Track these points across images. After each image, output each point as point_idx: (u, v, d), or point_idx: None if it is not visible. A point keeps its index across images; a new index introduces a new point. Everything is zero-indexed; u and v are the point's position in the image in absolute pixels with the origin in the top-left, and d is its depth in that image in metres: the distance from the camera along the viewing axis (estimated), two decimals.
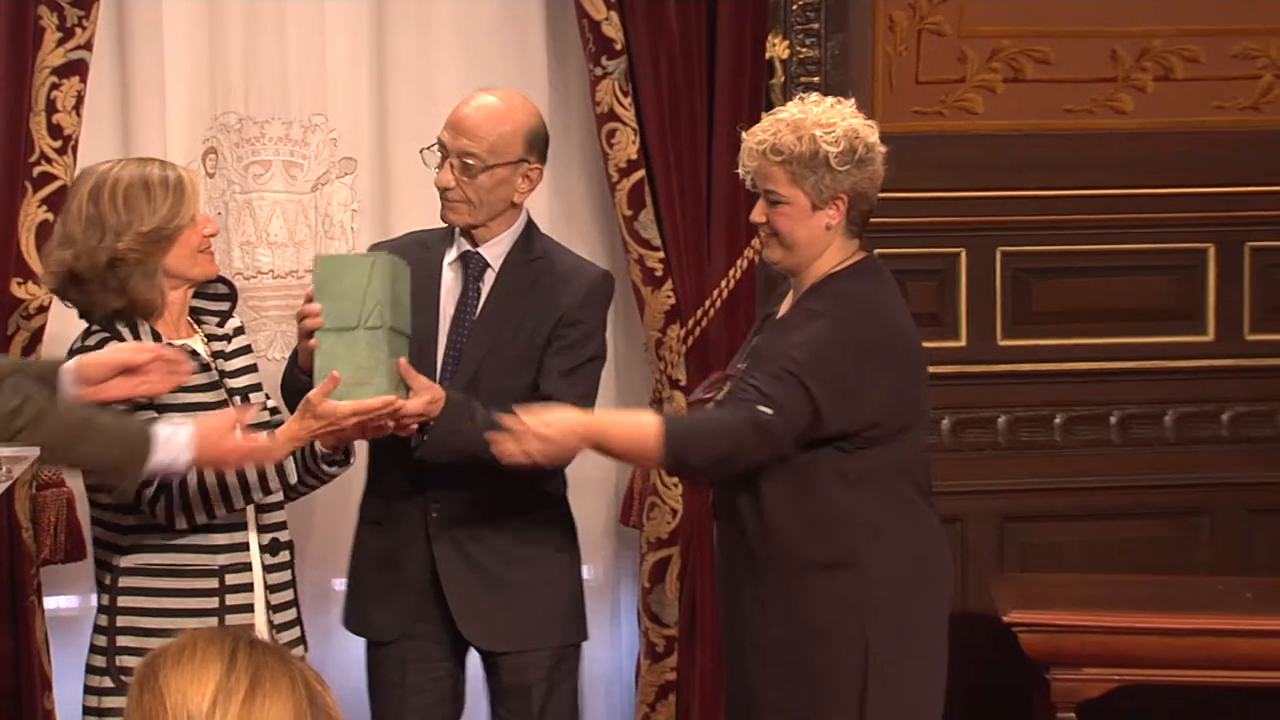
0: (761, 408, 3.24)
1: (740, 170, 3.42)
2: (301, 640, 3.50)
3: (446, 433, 3.48)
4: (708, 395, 3.46)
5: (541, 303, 3.63)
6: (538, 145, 3.65)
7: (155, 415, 3.34)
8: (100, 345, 3.35)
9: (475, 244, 3.66)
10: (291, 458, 3.35)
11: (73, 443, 3.11)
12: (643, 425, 3.34)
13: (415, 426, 3.46)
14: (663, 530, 4.50)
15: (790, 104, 3.44)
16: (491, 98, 3.64)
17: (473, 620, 3.66)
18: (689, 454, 3.30)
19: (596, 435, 3.31)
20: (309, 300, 3.36)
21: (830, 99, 3.41)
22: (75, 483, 4.18)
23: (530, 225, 3.72)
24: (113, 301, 3.36)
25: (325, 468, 3.46)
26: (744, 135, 3.41)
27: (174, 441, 3.17)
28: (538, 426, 3.26)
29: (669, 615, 4.51)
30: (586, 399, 3.61)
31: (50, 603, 4.28)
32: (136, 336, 3.38)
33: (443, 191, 3.61)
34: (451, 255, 3.68)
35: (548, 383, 3.61)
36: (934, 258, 4.69)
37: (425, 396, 3.41)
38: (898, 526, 3.39)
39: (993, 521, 4.72)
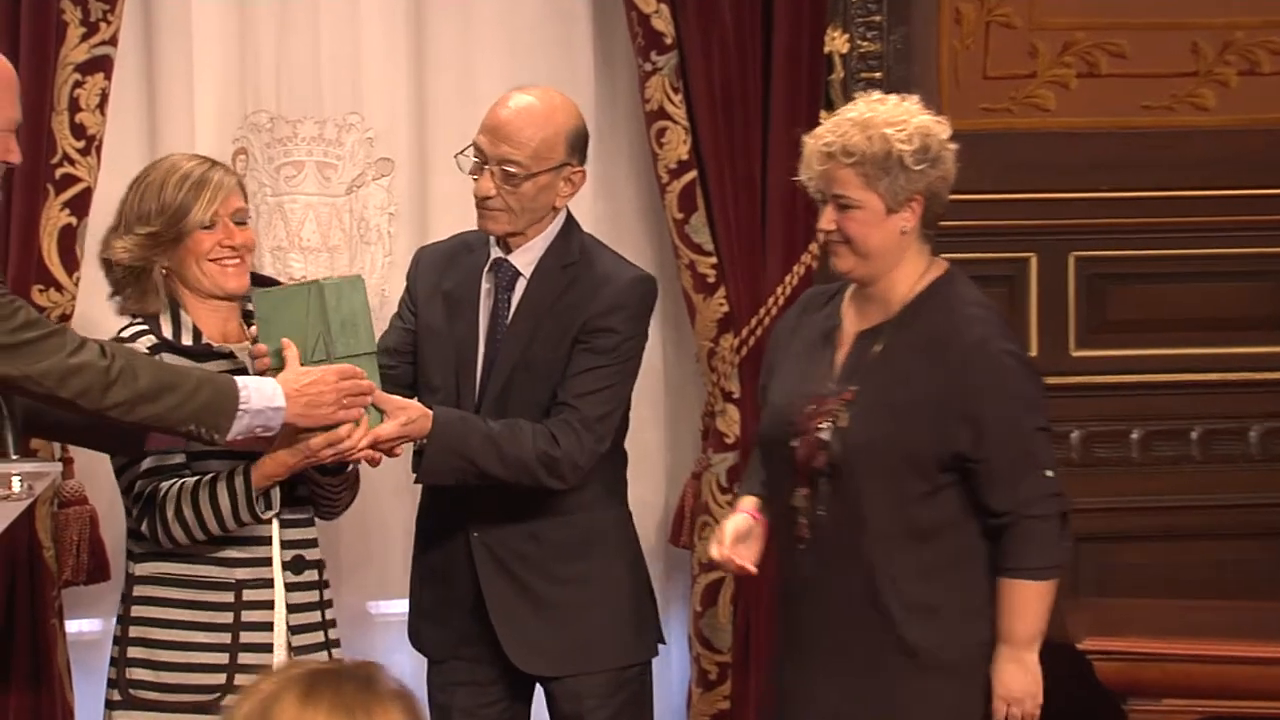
0: (1047, 472, 3.25)
1: (802, 176, 3.33)
2: None
3: (440, 453, 3.39)
4: (819, 422, 3.31)
5: (570, 310, 3.53)
6: (579, 147, 3.54)
7: None
8: (134, 339, 3.31)
9: (508, 249, 3.56)
10: (277, 487, 3.27)
11: (164, 390, 3.04)
12: (1026, 595, 3.27)
13: (398, 450, 3.37)
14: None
15: (854, 103, 3.38)
16: (530, 98, 3.52)
17: (519, 643, 3.56)
18: (1058, 556, 3.30)
19: (1033, 642, 3.31)
20: (255, 341, 3.31)
21: (894, 96, 3.35)
22: (98, 500, 4.10)
23: (569, 226, 3.61)
24: (121, 297, 3.38)
25: (321, 477, 3.37)
26: (805, 139, 3.33)
27: (264, 388, 3.13)
28: (1018, 697, 3.28)
29: (722, 640, 4.42)
30: (590, 399, 3.49)
31: (72, 626, 4.22)
32: (177, 332, 3.33)
33: (481, 200, 3.50)
34: (488, 261, 3.59)
35: (560, 386, 3.50)
36: (1003, 263, 4.59)
37: (399, 419, 3.30)
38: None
39: None
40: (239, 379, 3.14)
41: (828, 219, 3.29)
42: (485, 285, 3.57)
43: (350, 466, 3.37)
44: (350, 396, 3.19)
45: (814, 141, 3.29)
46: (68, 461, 4.07)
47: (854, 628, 3.29)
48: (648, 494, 4.46)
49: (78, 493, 4.11)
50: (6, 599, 4.04)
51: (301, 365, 3.19)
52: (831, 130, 3.28)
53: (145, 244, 3.29)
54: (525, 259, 3.55)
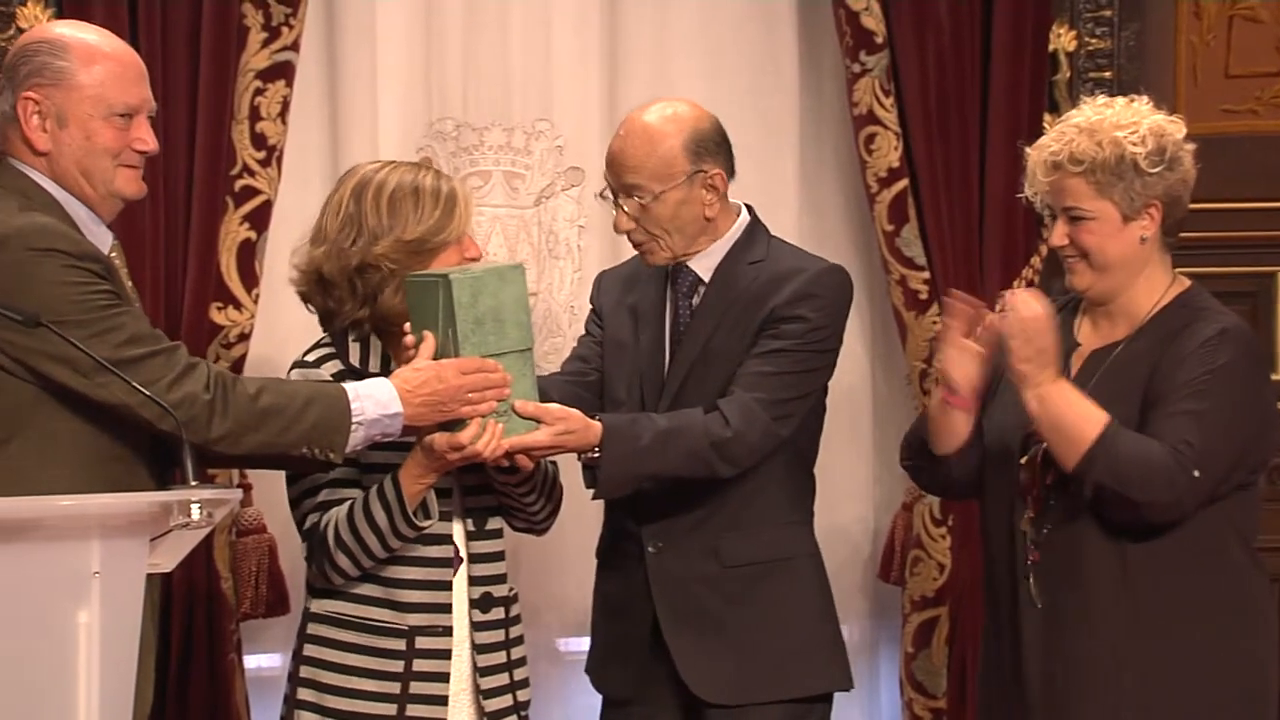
0: (1196, 473, 3.05)
1: (1027, 191, 3.23)
2: (514, 710, 3.26)
3: (615, 462, 3.27)
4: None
5: (755, 303, 3.42)
6: (708, 149, 3.42)
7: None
8: (319, 363, 3.24)
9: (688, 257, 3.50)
10: (432, 492, 3.15)
11: (268, 415, 2.94)
12: (1092, 417, 3.08)
13: (528, 464, 3.21)
14: (928, 588, 4.31)
15: (1078, 109, 3.25)
16: (642, 118, 3.43)
17: (697, 668, 3.42)
18: (1106, 476, 3.06)
19: (1060, 386, 3.10)
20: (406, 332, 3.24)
21: (1121, 98, 3.23)
22: (277, 529, 4.03)
23: (753, 229, 3.49)
24: (356, 311, 3.21)
25: (499, 476, 3.23)
26: (1028, 151, 3.23)
27: (378, 394, 3.02)
28: (1043, 332, 3.09)
29: (936, 685, 4.33)
30: (769, 380, 3.34)
31: (251, 661, 4.18)
32: (365, 356, 3.24)
33: (626, 235, 3.44)
34: (669, 270, 3.54)
35: (739, 370, 3.37)
36: (1246, 278, 4.43)
37: (556, 428, 3.18)
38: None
39: None
40: (351, 387, 3.03)
41: (1060, 234, 3.17)
42: (668, 295, 3.51)
43: (517, 467, 3.21)
44: (476, 391, 3.06)
45: (1038, 152, 3.19)
46: (246, 488, 4.01)
47: (1096, 649, 3.14)
48: (854, 526, 4.38)
49: (256, 521, 4.07)
50: (184, 632, 4.02)
51: (434, 359, 3.09)
52: (1056, 139, 3.17)
53: (408, 249, 3.16)
54: (705, 264, 3.45)
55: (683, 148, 3.38)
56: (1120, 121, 3.13)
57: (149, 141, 2.99)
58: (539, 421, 3.16)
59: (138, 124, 2.98)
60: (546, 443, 3.18)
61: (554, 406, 3.21)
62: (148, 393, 2.80)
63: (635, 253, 3.66)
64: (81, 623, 2.51)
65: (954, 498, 3.58)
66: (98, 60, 2.97)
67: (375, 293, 3.17)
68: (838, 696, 3.55)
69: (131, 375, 2.81)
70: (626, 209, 3.39)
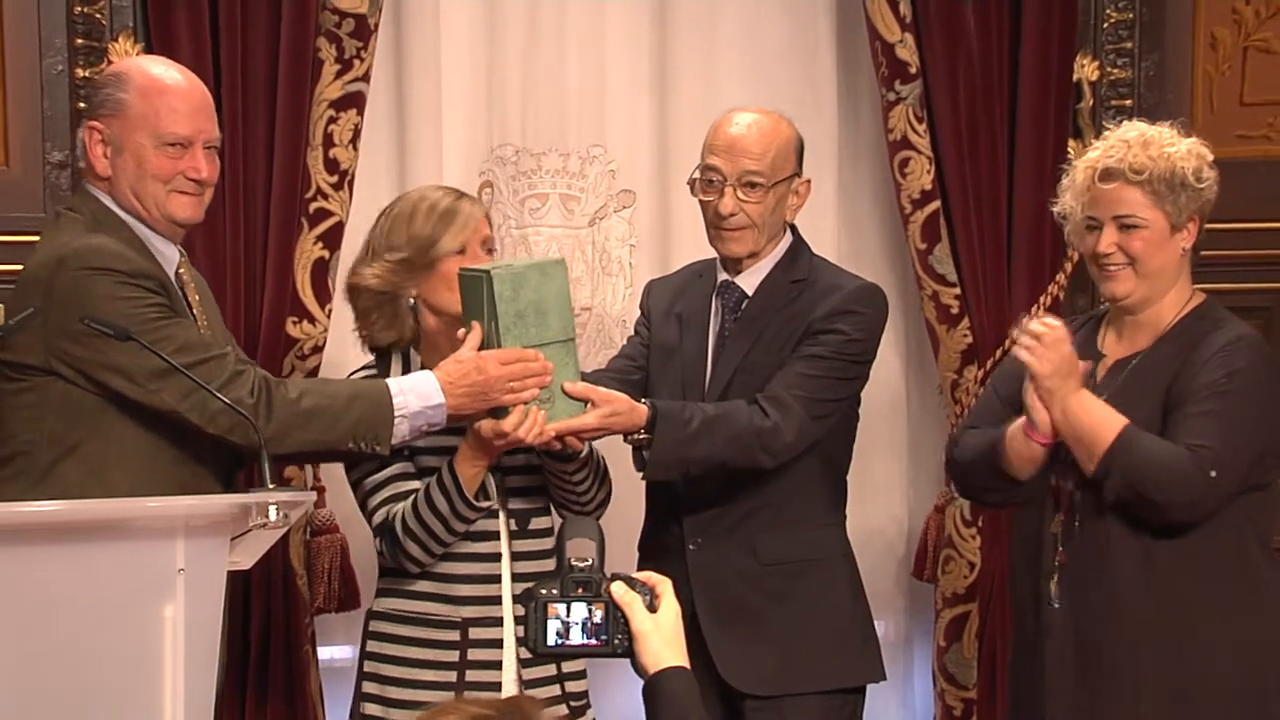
0: (1213, 473, 3.09)
1: (1068, 201, 3.27)
2: (563, 699, 3.34)
3: (665, 443, 3.33)
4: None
5: (795, 318, 3.49)
6: (802, 158, 3.54)
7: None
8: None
9: (737, 270, 3.54)
10: (489, 476, 3.22)
11: (312, 415, 3.03)
12: (1109, 422, 3.14)
13: (579, 444, 3.27)
14: (959, 585, 4.35)
15: (1124, 127, 3.31)
16: (754, 114, 3.51)
17: (731, 660, 3.47)
18: (1123, 478, 3.11)
19: (1081, 395, 3.15)
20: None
21: (1150, 125, 3.30)
22: (350, 529, 4.12)
23: (797, 246, 3.57)
24: (380, 333, 3.31)
25: (552, 462, 3.28)
26: (1075, 163, 3.30)
27: (421, 387, 3.09)
28: (1059, 344, 3.14)
29: (967, 677, 4.36)
30: (803, 381, 3.41)
31: (324, 653, 4.26)
32: (406, 373, 3.30)
33: (724, 219, 3.47)
34: (715, 284, 3.58)
35: (780, 371, 3.43)
36: (1260, 294, 4.41)
37: (603, 410, 3.24)
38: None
39: None
40: (394, 382, 3.10)
41: (1108, 241, 3.22)
42: (713, 305, 3.57)
43: (581, 452, 3.27)
44: (517, 380, 3.11)
45: (1088, 163, 3.25)
46: (319, 490, 4.10)
47: (1121, 652, 3.21)
48: (890, 527, 4.43)
49: (329, 521, 4.16)
50: (262, 626, 4.11)
51: (481, 350, 3.13)
52: (1112, 150, 3.24)
53: (396, 270, 3.26)
54: (751, 280, 3.53)
55: (793, 148, 3.49)
56: (1165, 140, 3.23)
57: (201, 170, 3.11)
58: (588, 401, 3.21)
59: (193, 153, 3.11)
60: (594, 424, 3.22)
61: (601, 389, 3.26)
62: (211, 389, 2.90)
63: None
64: (167, 616, 2.61)
65: (1007, 508, 3.61)
66: (154, 93, 3.10)
67: (366, 314, 3.27)
68: (875, 687, 3.60)
69: (180, 381, 2.92)
70: (736, 193, 3.43)
